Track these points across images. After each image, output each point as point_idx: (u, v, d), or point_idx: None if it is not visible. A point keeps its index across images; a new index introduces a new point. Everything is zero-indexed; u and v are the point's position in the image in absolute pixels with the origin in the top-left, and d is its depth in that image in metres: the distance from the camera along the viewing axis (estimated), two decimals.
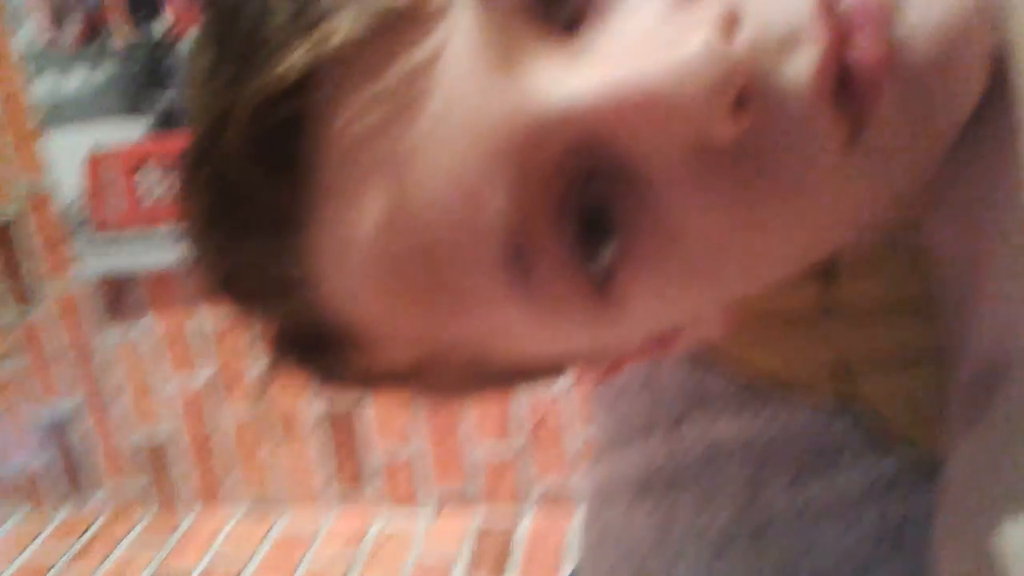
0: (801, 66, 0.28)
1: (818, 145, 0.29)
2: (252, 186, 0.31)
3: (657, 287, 0.31)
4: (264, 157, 0.30)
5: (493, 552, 1.99)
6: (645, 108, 0.28)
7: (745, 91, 0.27)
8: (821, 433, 0.45)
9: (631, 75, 0.28)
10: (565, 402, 1.97)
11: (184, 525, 2.25)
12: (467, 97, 0.29)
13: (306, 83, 0.29)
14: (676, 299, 0.32)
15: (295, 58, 0.29)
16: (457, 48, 0.29)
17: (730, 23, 0.27)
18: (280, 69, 0.29)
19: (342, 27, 0.29)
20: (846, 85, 0.28)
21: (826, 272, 0.43)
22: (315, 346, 0.35)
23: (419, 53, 0.29)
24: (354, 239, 0.31)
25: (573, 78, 0.28)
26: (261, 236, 0.32)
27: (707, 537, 0.48)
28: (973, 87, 0.30)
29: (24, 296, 2.18)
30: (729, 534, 0.47)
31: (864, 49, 0.27)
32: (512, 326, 0.33)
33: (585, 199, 0.30)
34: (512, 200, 0.29)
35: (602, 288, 0.31)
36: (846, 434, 0.44)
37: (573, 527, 2.03)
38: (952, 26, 0.28)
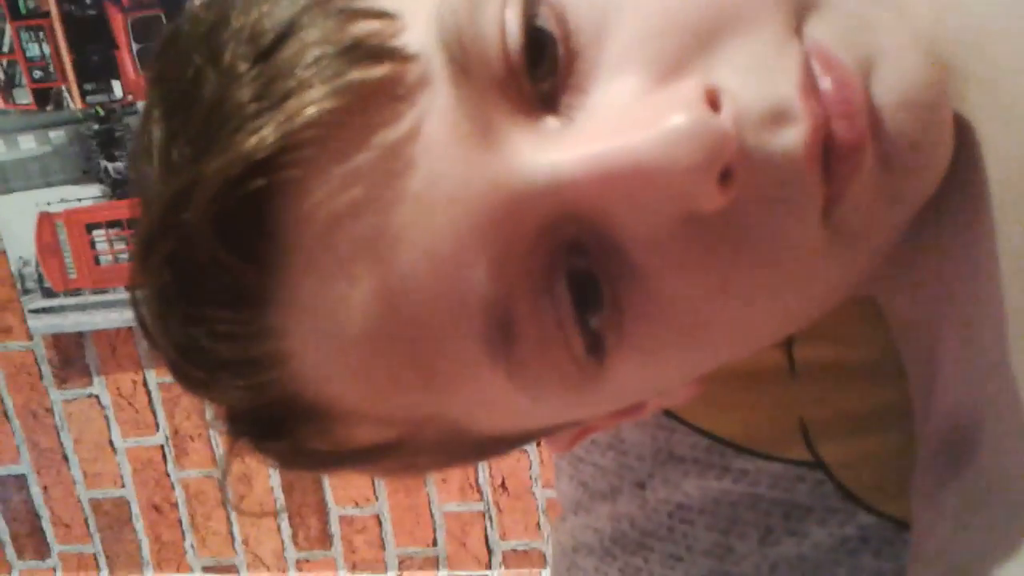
0: (790, 140, 0.28)
1: (799, 218, 0.29)
2: (215, 264, 0.29)
3: (643, 356, 0.31)
4: (229, 235, 0.29)
5: None
6: (632, 180, 0.27)
7: (732, 163, 0.27)
8: (789, 491, 0.45)
9: (615, 148, 0.27)
10: (527, 461, 1.96)
11: None
12: (447, 173, 0.28)
13: (275, 160, 0.28)
14: (661, 368, 0.32)
15: (264, 134, 0.28)
16: (435, 124, 0.28)
17: (712, 98, 0.27)
18: (248, 146, 0.28)
19: (314, 101, 0.27)
20: (828, 160, 0.28)
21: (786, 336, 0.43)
22: (278, 426, 0.33)
23: (396, 129, 0.28)
24: (329, 319, 0.30)
25: (554, 152, 0.28)
26: (224, 314, 0.30)
27: None
28: (942, 160, 0.31)
29: None
30: None
31: (845, 130, 0.28)
32: (494, 400, 0.32)
33: (571, 269, 0.30)
34: (493, 274, 0.29)
35: (588, 359, 0.31)
36: (815, 492, 0.44)
37: None
38: (923, 100, 0.29)
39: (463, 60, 0.28)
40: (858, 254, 0.31)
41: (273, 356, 0.31)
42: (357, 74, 0.28)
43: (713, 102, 0.27)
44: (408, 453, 0.35)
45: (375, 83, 0.28)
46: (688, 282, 0.29)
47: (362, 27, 0.28)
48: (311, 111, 0.27)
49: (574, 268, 0.30)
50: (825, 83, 0.28)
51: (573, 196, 0.28)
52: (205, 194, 0.28)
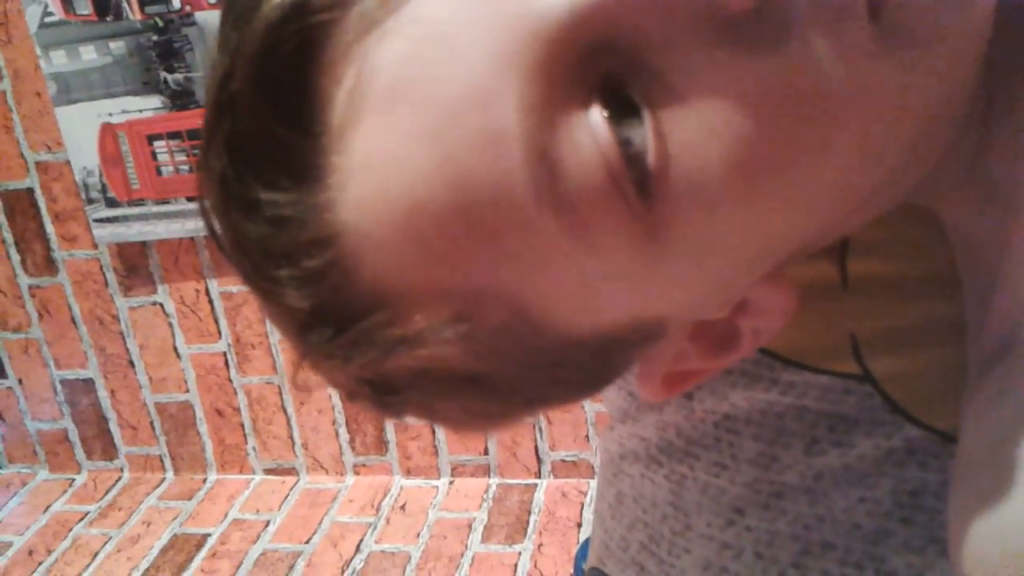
0: None
1: (840, 13, 0.27)
2: (264, 136, 0.29)
3: (699, 193, 0.29)
4: (274, 95, 0.29)
5: (510, 519, 2.01)
6: None
7: None
8: (837, 404, 0.45)
9: None
10: None
11: (204, 488, 2.28)
12: (470, 10, 0.28)
13: (308, 9, 0.28)
14: (725, 215, 0.30)
15: None
16: None
17: None
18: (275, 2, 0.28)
19: None
20: None
21: (840, 248, 0.42)
22: (344, 317, 0.32)
23: None
24: (367, 172, 0.29)
25: None
26: (275, 194, 0.30)
27: (722, 501, 0.48)
28: None
29: (41, 265, 2.20)
30: (744, 498, 0.47)
31: None
32: (551, 253, 0.30)
33: (611, 101, 0.28)
34: (525, 103, 0.28)
35: (638, 199, 0.29)
36: (862, 405, 0.44)
37: (589, 497, 2.05)
38: None
39: None
40: (917, 68, 0.29)
41: (326, 234, 0.30)
42: None
43: None
44: (472, 338, 0.32)
45: None
46: (732, 94, 0.28)
47: None
48: None
49: (618, 104, 0.28)
50: None
51: (602, 16, 0.27)
52: (246, 58, 0.29)
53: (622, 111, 0.28)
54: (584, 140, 0.28)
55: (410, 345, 0.32)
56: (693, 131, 0.28)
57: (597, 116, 0.28)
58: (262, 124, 0.29)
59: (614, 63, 0.28)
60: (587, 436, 2.05)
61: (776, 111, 0.28)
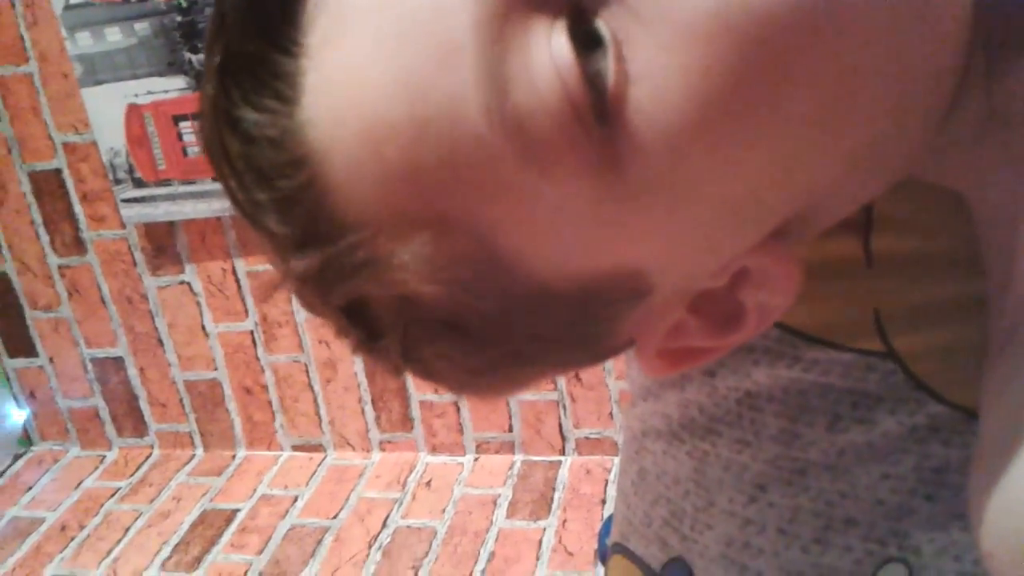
0: None
1: None
2: (251, 54, 0.30)
3: (669, 134, 0.28)
4: (261, 18, 0.30)
5: (535, 495, 2.02)
6: None
7: None
8: (860, 381, 0.45)
9: None
10: None
11: (233, 465, 2.31)
12: None
13: None
14: (702, 160, 0.28)
15: None
16: None
17: None
18: None
19: None
20: None
21: (865, 225, 0.42)
22: (318, 239, 0.32)
23: None
24: (338, 93, 0.30)
25: None
26: (257, 114, 0.31)
27: (745, 477, 0.48)
28: None
29: (70, 245, 2.22)
30: (767, 475, 0.47)
31: None
32: (510, 184, 0.29)
33: (573, 25, 0.27)
34: (481, 16, 0.27)
35: (599, 124, 0.27)
36: (886, 382, 0.44)
37: (614, 473, 2.06)
38: None
39: None
40: (910, 9, 0.28)
41: (301, 154, 0.31)
42: None
43: None
44: (445, 271, 0.32)
45: None
46: (698, 24, 0.26)
47: None
48: None
49: (581, 28, 0.27)
50: None
51: None
52: None
53: (587, 37, 0.27)
54: (540, 59, 0.27)
55: (378, 269, 0.32)
56: (656, 59, 0.27)
57: (560, 38, 0.27)
58: (249, 44, 0.30)
59: None
60: (611, 414, 2.06)
61: (746, 40, 0.26)
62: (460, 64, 0.28)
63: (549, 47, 0.27)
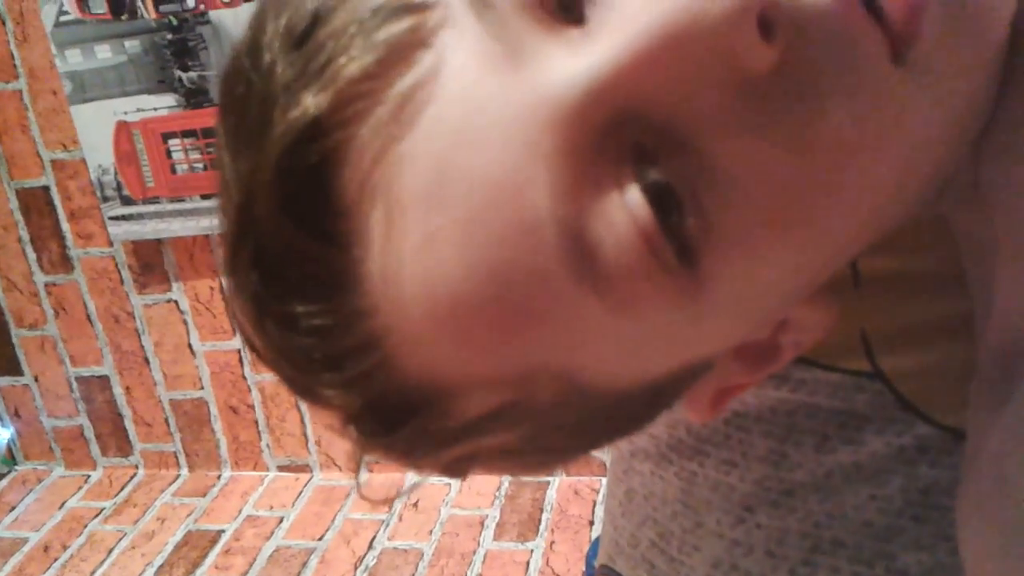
0: None
1: (861, 61, 0.27)
2: (293, 252, 0.30)
3: (740, 254, 0.29)
4: (299, 217, 0.29)
5: (522, 516, 2.01)
6: (670, 52, 0.26)
7: (770, 16, 0.26)
8: (848, 401, 0.45)
9: (646, 25, 0.26)
10: None
11: (218, 485, 2.30)
12: (483, 100, 0.28)
13: (323, 126, 0.28)
14: (763, 267, 0.30)
15: (306, 102, 0.28)
16: (460, 57, 0.28)
17: None
18: (293, 116, 0.28)
19: (347, 64, 0.28)
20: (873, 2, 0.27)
21: None
22: (397, 419, 0.33)
23: (415, 73, 0.28)
24: (411, 282, 0.29)
25: (588, 53, 0.27)
26: (312, 306, 0.30)
27: (733, 498, 0.48)
28: (1010, 6, 0.29)
29: (57, 263, 2.21)
30: (754, 496, 0.47)
31: None
32: (595, 330, 0.30)
33: (644, 180, 0.28)
34: (557, 192, 0.28)
35: (681, 266, 0.29)
36: (873, 403, 0.44)
37: (601, 493, 2.05)
38: None
39: None
40: (944, 96, 0.29)
41: (368, 339, 0.31)
42: (383, 32, 0.28)
43: None
44: (526, 419, 0.33)
45: (399, 37, 0.28)
46: (760, 154, 0.28)
47: None
48: (345, 72, 0.28)
49: (647, 179, 0.28)
50: None
51: (619, 92, 0.27)
52: (266, 177, 0.29)
53: (655, 187, 0.28)
54: (619, 218, 0.28)
55: (466, 436, 0.33)
56: (727, 195, 0.28)
57: (635, 193, 0.28)
58: (289, 243, 0.29)
59: (641, 132, 0.28)
60: None
61: (806, 167, 0.28)
62: (543, 240, 0.28)
63: (624, 204, 0.28)
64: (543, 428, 0.34)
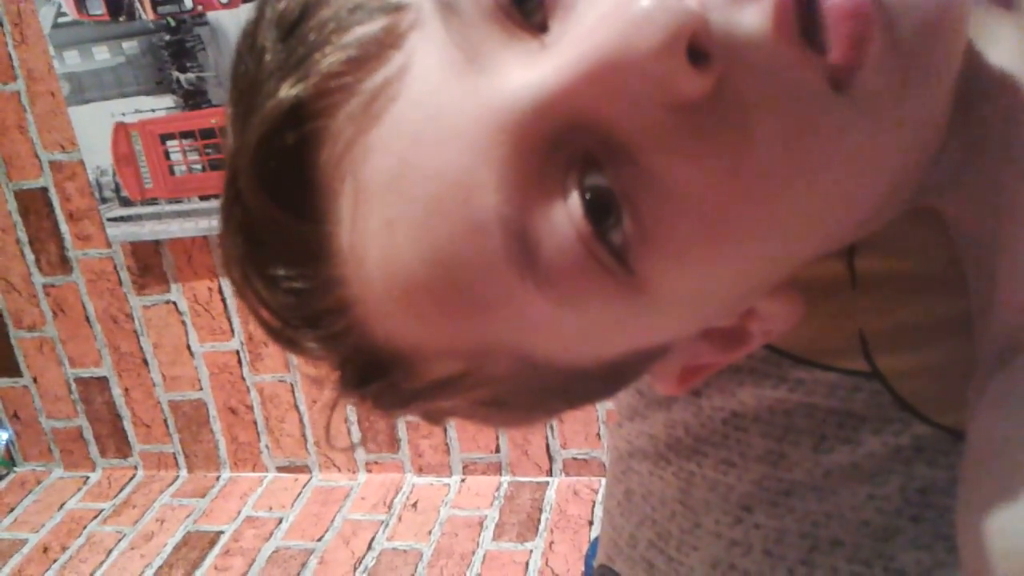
0: (754, 17, 0.28)
1: (797, 89, 0.29)
2: (273, 224, 0.32)
3: (678, 260, 0.31)
4: (278, 193, 0.32)
5: (522, 516, 2.01)
6: (608, 74, 0.28)
7: (703, 43, 0.28)
8: (845, 401, 0.45)
9: (589, 47, 0.28)
10: None
11: (217, 486, 2.29)
12: (444, 102, 0.30)
13: (300, 113, 0.31)
14: (705, 272, 0.32)
15: (284, 91, 0.31)
16: (426, 60, 0.30)
17: None
18: (272, 103, 0.31)
19: (324, 57, 0.30)
20: (818, 29, 0.28)
21: (848, 246, 0.42)
22: (367, 375, 0.36)
23: (386, 71, 0.30)
24: (368, 257, 0.32)
25: (542, 66, 0.29)
26: (290, 271, 0.33)
27: (731, 498, 0.48)
28: (961, 35, 0.30)
29: (56, 264, 2.21)
30: (753, 496, 0.47)
31: (833, 2, 0.28)
32: (540, 320, 0.33)
33: (588, 185, 0.30)
34: (504, 193, 0.30)
35: (619, 268, 0.31)
36: (871, 402, 0.44)
37: (600, 494, 2.05)
38: None
39: (451, 0, 0.30)
40: (884, 126, 0.30)
41: (338, 305, 0.33)
42: (358, 29, 0.30)
43: None
44: (485, 384, 0.36)
45: (373, 36, 0.30)
46: (697, 173, 0.29)
47: None
48: (321, 65, 0.30)
49: (592, 184, 0.30)
50: None
51: (565, 104, 0.29)
52: (248, 156, 0.32)
53: (595, 192, 0.30)
54: (560, 220, 0.30)
55: (431, 394, 0.37)
56: (663, 206, 0.30)
57: (575, 199, 0.30)
58: (269, 216, 0.32)
59: (589, 141, 0.30)
60: (598, 434, 2.05)
61: (737, 188, 0.30)
62: (489, 238, 0.30)
63: (566, 208, 0.30)
64: (503, 393, 0.37)
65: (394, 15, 0.31)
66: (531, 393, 0.37)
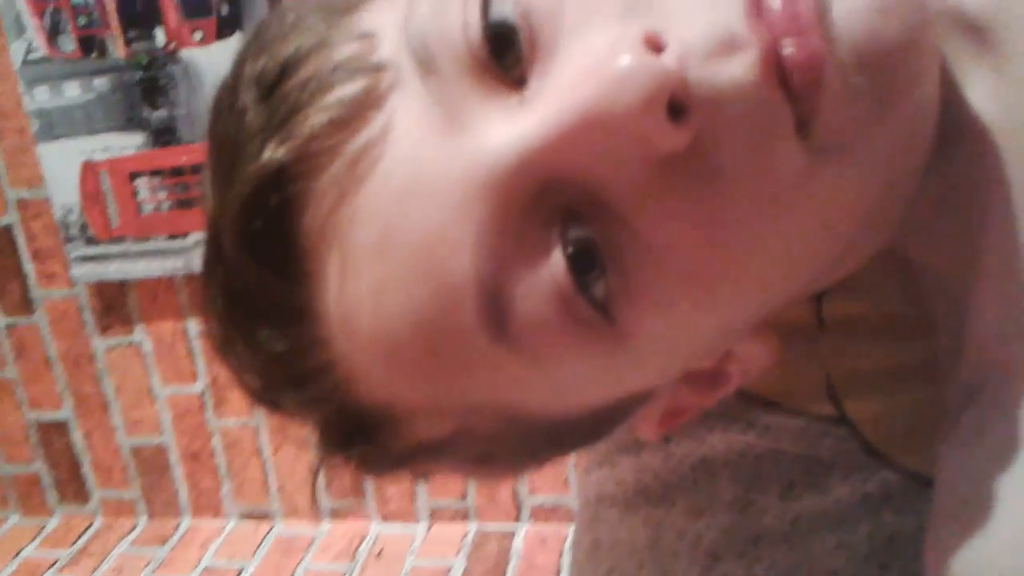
0: (741, 66, 0.28)
1: (770, 138, 0.29)
2: (256, 285, 0.32)
3: (658, 310, 0.31)
4: (257, 252, 0.32)
5: (488, 566, 1.99)
6: (589, 131, 0.28)
7: (682, 99, 0.28)
8: (813, 447, 0.45)
9: (570, 103, 0.28)
10: None
11: (177, 534, 2.25)
12: (424, 162, 0.30)
13: (284, 175, 0.31)
14: (684, 321, 0.32)
15: (267, 153, 0.31)
16: (406, 120, 0.30)
17: (653, 42, 0.28)
18: (256, 166, 0.31)
19: (306, 119, 0.31)
20: (786, 81, 0.29)
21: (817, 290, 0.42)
22: (353, 436, 0.36)
23: (367, 132, 0.31)
24: (357, 321, 0.32)
25: (523, 122, 0.29)
26: (275, 332, 0.33)
27: (700, 547, 0.48)
28: (926, 78, 0.31)
29: (18, 304, 2.18)
30: (721, 544, 0.47)
31: (796, 49, 0.28)
32: (520, 378, 0.33)
33: (571, 239, 0.30)
34: (480, 252, 0.30)
35: (599, 319, 0.31)
36: (838, 448, 0.44)
37: (568, 541, 2.03)
38: (885, 19, 0.29)
39: (429, 59, 0.30)
40: (850, 171, 0.30)
41: (323, 365, 0.33)
42: (339, 90, 0.31)
43: (655, 45, 0.28)
44: (473, 443, 0.36)
45: (354, 97, 0.31)
46: (677, 225, 0.30)
47: (344, 51, 0.31)
48: (304, 127, 0.31)
49: (575, 236, 0.30)
50: (775, 2, 0.28)
51: (547, 160, 0.29)
52: (231, 218, 0.32)
53: (579, 244, 0.30)
54: (541, 276, 0.30)
55: (418, 456, 0.37)
56: (645, 257, 0.30)
57: (557, 254, 0.30)
58: (252, 278, 0.32)
59: (570, 196, 0.30)
60: (567, 480, 2.04)
61: (715, 239, 0.30)
62: (462, 300, 0.30)
63: (548, 264, 0.30)
64: (491, 448, 0.37)
65: (374, 75, 0.31)
66: (518, 446, 0.37)
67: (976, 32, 0.33)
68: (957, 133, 0.34)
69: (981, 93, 0.33)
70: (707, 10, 0.29)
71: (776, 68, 0.28)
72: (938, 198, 0.35)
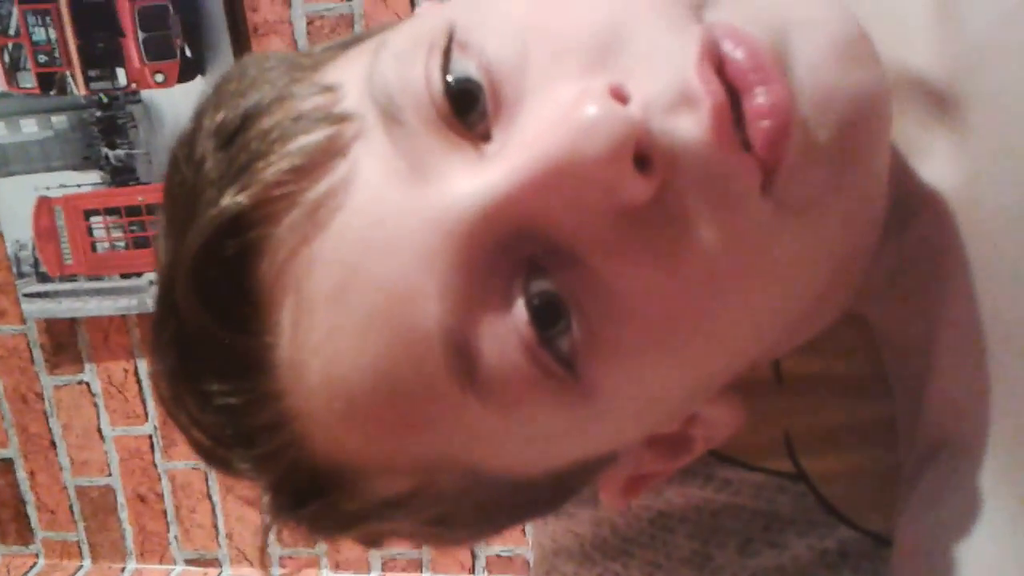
0: (693, 123, 0.28)
1: (732, 192, 0.29)
2: (208, 337, 0.31)
3: (623, 363, 0.31)
4: (210, 302, 0.31)
5: None
6: (554, 181, 0.28)
7: (646, 150, 0.28)
8: (771, 503, 0.44)
9: (537, 153, 0.28)
10: None
11: None
12: (387, 212, 0.30)
13: (240, 223, 0.30)
14: (649, 375, 0.32)
15: (225, 201, 0.30)
16: (370, 169, 0.30)
17: (618, 93, 0.28)
18: (212, 213, 0.30)
19: (267, 167, 0.30)
20: (745, 136, 0.29)
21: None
22: (305, 495, 0.35)
23: (329, 180, 0.30)
24: (309, 370, 0.31)
25: (488, 173, 0.29)
26: (225, 386, 0.32)
27: None
28: (881, 133, 0.31)
29: None
30: None
31: (763, 97, 0.28)
32: (485, 431, 0.32)
33: (534, 290, 0.30)
34: (446, 303, 0.29)
35: (563, 373, 0.31)
36: (796, 505, 0.44)
37: None
38: (847, 76, 0.29)
39: (394, 111, 0.30)
40: (814, 225, 0.31)
41: (275, 420, 0.32)
42: (302, 139, 0.30)
43: (619, 96, 0.28)
44: (432, 502, 0.35)
45: (317, 145, 0.30)
46: (643, 275, 0.30)
47: (307, 103, 0.31)
48: (264, 174, 0.30)
49: (538, 289, 0.30)
50: (737, 54, 0.29)
51: (512, 210, 0.29)
52: (185, 266, 0.31)
53: (543, 297, 0.30)
54: (504, 329, 0.30)
55: (373, 516, 0.35)
56: (610, 309, 0.30)
57: (519, 307, 0.30)
58: (206, 328, 0.31)
59: (534, 247, 0.30)
60: (523, 530, 2.02)
61: (680, 292, 0.30)
62: (428, 349, 0.30)
63: (511, 316, 0.30)
64: (450, 510, 0.36)
65: (338, 125, 0.31)
66: (478, 509, 0.37)
67: (939, 102, 0.34)
68: (915, 201, 0.35)
69: (941, 162, 0.34)
70: (665, 64, 0.29)
71: (729, 124, 0.28)
72: (895, 268, 0.36)
